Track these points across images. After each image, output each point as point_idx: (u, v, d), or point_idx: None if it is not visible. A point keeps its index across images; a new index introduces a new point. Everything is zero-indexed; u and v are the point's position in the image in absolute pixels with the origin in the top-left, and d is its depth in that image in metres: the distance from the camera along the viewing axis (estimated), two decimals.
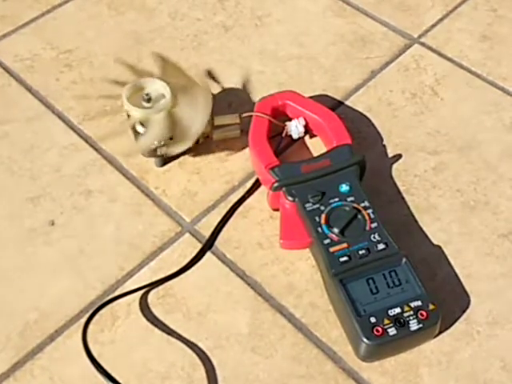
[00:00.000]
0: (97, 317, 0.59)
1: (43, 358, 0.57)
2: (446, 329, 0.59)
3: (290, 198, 0.63)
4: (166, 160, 0.69)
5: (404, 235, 0.63)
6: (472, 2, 0.86)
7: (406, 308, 0.56)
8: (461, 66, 0.79)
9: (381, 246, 0.59)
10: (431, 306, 0.56)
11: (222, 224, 0.65)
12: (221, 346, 0.58)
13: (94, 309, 0.59)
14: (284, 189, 0.63)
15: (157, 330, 0.59)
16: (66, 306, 0.60)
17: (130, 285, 0.61)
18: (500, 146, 0.72)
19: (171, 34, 0.83)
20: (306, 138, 0.72)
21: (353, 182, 0.63)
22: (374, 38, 0.82)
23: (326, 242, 0.59)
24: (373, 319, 0.55)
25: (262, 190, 0.67)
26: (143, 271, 0.62)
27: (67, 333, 0.59)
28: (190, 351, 0.58)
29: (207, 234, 0.65)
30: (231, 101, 0.75)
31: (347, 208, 0.61)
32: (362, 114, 0.74)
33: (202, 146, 0.70)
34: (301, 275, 0.62)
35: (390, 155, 0.71)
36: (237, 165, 0.70)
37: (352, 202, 0.62)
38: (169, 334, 0.59)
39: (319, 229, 0.60)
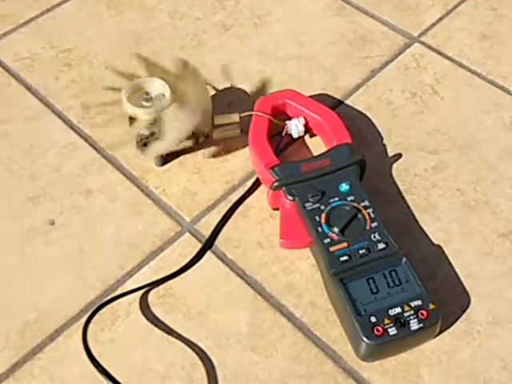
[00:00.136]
0: (97, 316, 0.59)
1: (43, 357, 0.57)
2: (447, 328, 0.59)
3: (290, 198, 0.63)
4: (165, 160, 0.69)
5: (404, 235, 0.63)
6: (472, 1, 0.86)
7: (407, 308, 0.56)
8: (461, 65, 0.79)
9: (381, 246, 0.59)
10: (431, 306, 0.56)
11: (222, 223, 0.65)
12: (221, 346, 0.58)
13: (94, 308, 0.59)
14: (284, 188, 0.63)
15: (157, 330, 0.59)
16: (66, 306, 0.60)
17: (130, 284, 0.61)
18: (500, 145, 0.72)
19: (170, 33, 0.83)
20: (306, 137, 0.72)
21: (353, 182, 0.63)
22: (374, 37, 0.82)
23: (326, 241, 0.59)
24: (373, 319, 0.55)
25: (262, 190, 0.67)
26: (143, 271, 0.62)
27: (67, 333, 0.59)
28: (189, 351, 0.58)
29: (207, 233, 0.65)
30: (231, 100, 0.75)
31: (347, 207, 0.61)
32: (361, 113, 0.74)
33: (201, 146, 0.70)
34: (301, 275, 0.62)
35: (390, 154, 0.71)
36: (237, 164, 0.70)
37: (352, 201, 0.62)
38: (169, 333, 0.59)
39: (319, 228, 0.60)
